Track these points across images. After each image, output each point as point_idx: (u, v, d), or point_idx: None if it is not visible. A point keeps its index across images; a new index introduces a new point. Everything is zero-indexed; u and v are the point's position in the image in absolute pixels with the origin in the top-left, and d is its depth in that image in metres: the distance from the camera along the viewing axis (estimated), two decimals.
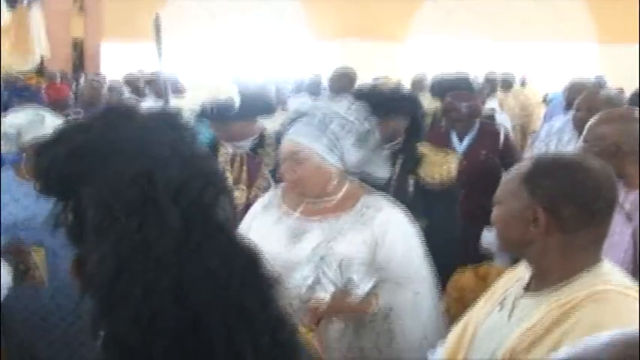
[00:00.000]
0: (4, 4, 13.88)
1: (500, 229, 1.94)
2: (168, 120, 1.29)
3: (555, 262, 1.85)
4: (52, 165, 1.21)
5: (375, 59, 15.51)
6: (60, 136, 1.25)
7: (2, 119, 3.88)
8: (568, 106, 6.80)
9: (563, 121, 6.09)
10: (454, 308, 3.15)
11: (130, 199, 1.15)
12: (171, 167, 1.18)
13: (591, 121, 3.09)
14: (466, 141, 5.25)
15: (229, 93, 3.64)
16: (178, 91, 9.70)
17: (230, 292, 1.16)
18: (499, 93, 10.33)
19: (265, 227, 2.93)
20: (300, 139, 2.81)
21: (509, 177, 1.94)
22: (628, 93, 8.89)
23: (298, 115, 2.86)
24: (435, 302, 2.98)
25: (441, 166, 3.98)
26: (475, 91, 6.40)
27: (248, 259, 1.21)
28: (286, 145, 2.86)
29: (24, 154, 3.83)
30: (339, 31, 16.58)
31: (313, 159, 2.80)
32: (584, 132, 3.09)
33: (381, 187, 3.84)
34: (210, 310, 1.14)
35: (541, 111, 11.31)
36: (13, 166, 3.97)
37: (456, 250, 3.90)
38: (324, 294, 2.73)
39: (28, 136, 3.73)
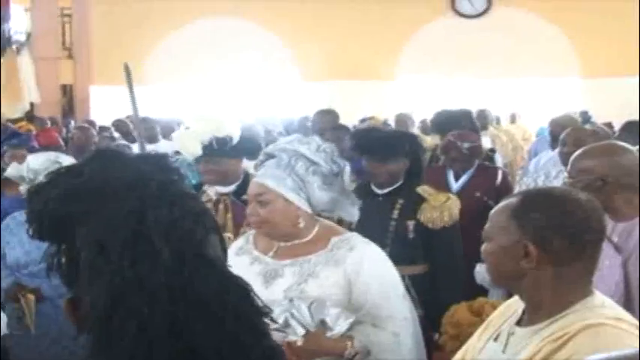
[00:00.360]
0: None
1: (492, 264, 1.97)
2: (157, 162, 1.31)
3: (547, 296, 1.87)
4: (45, 208, 1.23)
5: (363, 99, 15.63)
6: (52, 180, 1.27)
7: (24, 164, 4.04)
8: (553, 141, 6.89)
9: (549, 156, 6.17)
10: (450, 345, 3.17)
11: (122, 237, 1.17)
12: (161, 206, 1.20)
13: (574, 156, 3.09)
14: (461, 180, 5.20)
15: (232, 128, 3.68)
16: (168, 134, 9.79)
17: (225, 326, 1.18)
18: (491, 129, 10.35)
19: (238, 272, 2.87)
20: (266, 181, 2.80)
21: (498, 212, 1.96)
22: (616, 125, 9.00)
23: (267, 157, 2.85)
24: (416, 343, 2.91)
25: (442, 211, 3.95)
26: (477, 129, 6.38)
27: (240, 293, 1.23)
28: (252, 186, 2.87)
29: None
30: (326, 72, 16.71)
31: (278, 201, 2.78)
32: (568, 167, 3.11)
33: (379, 231, 3.81)
34: (206, 343, 1.16)
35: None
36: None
37: (461, 293, 3.84)
38: (294, 337, 2.66)
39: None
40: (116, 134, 10.29)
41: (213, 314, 1.17)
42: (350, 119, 12.96)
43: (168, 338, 1.14)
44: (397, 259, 3.36)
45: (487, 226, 1.99)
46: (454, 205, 3.98)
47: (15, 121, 11.73)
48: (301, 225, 2.80)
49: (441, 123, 6.46)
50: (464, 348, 2.20)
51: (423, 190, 4.04)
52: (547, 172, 4.75)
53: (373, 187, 4.10)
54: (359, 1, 16.48)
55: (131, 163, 1.28)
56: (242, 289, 1.24)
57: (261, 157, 2.89)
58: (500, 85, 17.60)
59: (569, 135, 4.41)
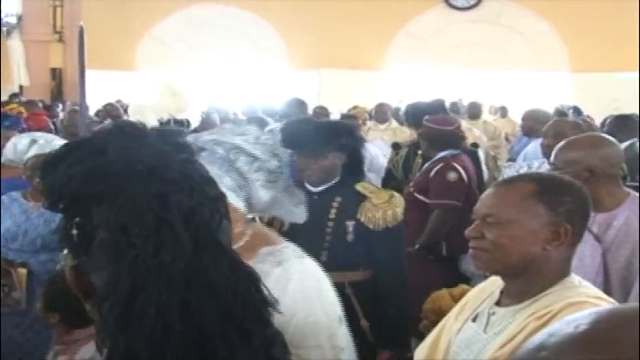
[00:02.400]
0: None
1: (511, 250, 1.93)
2: (175, 142, 1.34)
3: (541, 277, 1.93)
4: (68, 184, 1.24)
5: (352, 88, 15.68)
6: (73, 155, 1.27)
7: (9, 146, 4.11)
8: (526, 134, 7.02)
9: (528, 148, 6.25)
10: (431, 331, 3.23)
11: (146, 223, 1.20)
12: (182, 192, 1.23)
13: (559, 147, 3.15)
14: (419, 171, 5.32)
15: (192, 114, 3.46)
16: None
17: (233, 312, 1.23)
18: (463, 122, 10.33)
19: None
20: None
21: (510, 197, 1.95)
22: (597, 120, 9.09)
23: (197, 151, 2.27)
24: None
25: (385, 210, 3.57)
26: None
27: (249, 282, 1.28)
28: None
29: (28, 177, 4.01)
30: (316, 61, 16.74)
31: None
32: (552, 158, 3.17)
33: (315, 233, 3.40)
34: (213, 328, 1.20)
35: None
36: (22, 192, 4.16)
37: (407, 298, 3.61)
38: None
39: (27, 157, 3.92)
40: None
41: (224, 301, 1.22)
42: (338, 109, 13.03)
43: (180, 322, 1.18)
44: (336, 264, 3.24)
45: (493, 212, 1.96)
46: (398, 204, 3.61)
47: (4, 103, 11.74)
48: (237, 229, 2.27)
49: (414, 115, 6.33)
50: (436, 331, 2.23)
51: (363, 187, 3.66)
52: (530, 163, 4.80)
53: (307, 185, 3.64)
54: None
55: (151, 143, 1.30)
56: (251, 277, 1.29)
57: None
58: (489, 77, 17.68)
59: (550, 127, 4.45)
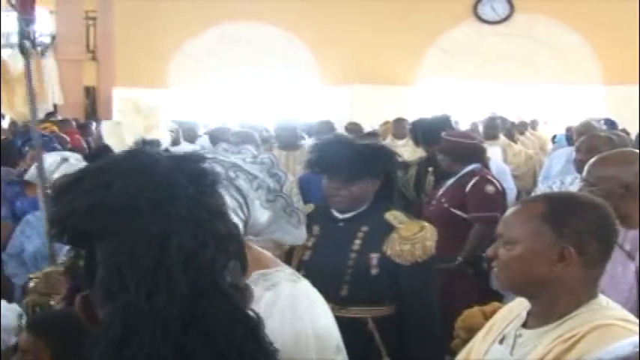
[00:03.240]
0: (17, 52, 14.12)
1: (517, 270, 1.94)
2: (191, 171, 1.26)
3: (564, 298, 1.91)
4: (69, 218, 1.21)
5: (384, 104, 15.66)
6: (79, 187, 1.24)
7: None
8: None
9: (563, 162, 6.18)
10: (462, 349, 3.20)
11: (142, 266, 1.16)
12: (186, 230, 1.18)
13: (592, 163, 3.12)
14: (442, 188, 5.23)
15: (162, 132, 3.23)
16: (190, 138, 9.86)
17: None
18: (502, 139, 9.92)
19: None
20: None
21: (521, 216, 1.96)
22: (633, 134, 8.98)
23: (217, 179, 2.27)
24: None
25: (413, 243, 3.28)
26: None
27: (248, 329, 1.23)
28: None
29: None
30: (347, 76, 16.76)
31: None
32: (585, 173, 3.14)
33: (336, 264, 3.21)
34: None
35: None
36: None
37: (435, 338, 3.35)
38: None
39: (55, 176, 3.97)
40: None
41: (219, 348, 1.18)
42: (370, 124, 13.02)
43: None
44: (358, 299, 3.17)
45: (506, 230, 1.98)
46: (430, 237, 3.31)
47: (39, 122, 11.87)
48: None
49: (423, 132, 6.28)
50: (464, 352, 2.23)
51: (393, 216, 3.35)
52: (562, 179, 4.75)
53: (333, 211, 3.40)
54: (381, 7, 16.50)
55: (163, 175, 1.23)
56: (250, 325, 1.24)
57: None
58: (521, 91, 17.58)
59: (583, 142, 4.42)
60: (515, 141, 9.56)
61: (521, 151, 9.06)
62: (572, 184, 4.40)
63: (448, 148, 5.22)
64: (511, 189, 7.24)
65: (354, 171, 3.27)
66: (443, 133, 5.33)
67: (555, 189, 4.59)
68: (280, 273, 2.19)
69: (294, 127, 7.40)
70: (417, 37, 16.85)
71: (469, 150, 5.16)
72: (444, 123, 6.24)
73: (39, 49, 15.14)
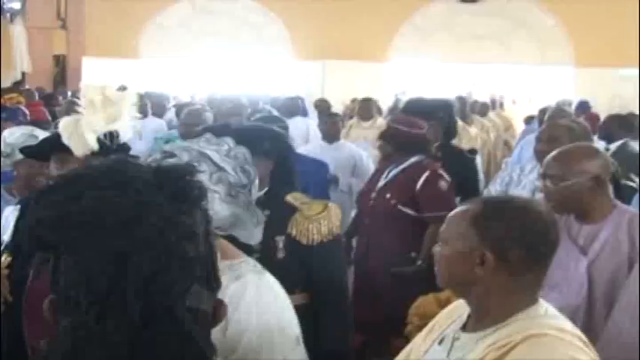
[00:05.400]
0: None
1: (444, 268, 1.99)
2: (172, 188, 1.20)
3: (495, 304, 1.90)
4: (36, 228, 1.17)
5: (356, 80, 15.63)
6: (50, 196, 1.19)
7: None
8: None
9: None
10: (415, 335, 3.19)
11: (96, 287, 1.13)
12: (149, 252, 1.14)
13: (555, 156, 3.08)
14: (384, 178, 4.74)
15: (125, 124, 3.04)
16: (159, 109, 9.78)
17: None
18: (476, 117, 9.86)
19: None
20: None
21: (457, 217, 1.98)
22: (602, 116, 8.97)
23: (164, 157, 2.27)
24: None
25: (318, 221, 3.18)
26: (449, 119, 5.74)
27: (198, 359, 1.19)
28: None
29: (15, 172, 3.96)
30: (319, 51, 16.69)
31: None
32: (547, 168, 3.07)
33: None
34: None
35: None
36: (5, 187, 4.12)
37: (347, 325, 3.28)
38: None
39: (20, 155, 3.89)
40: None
41: None
42: (342, 100, 13.00)
43: None
44: None
45: (443, 229, 2.01)
46: (334, 215, 3.21)
47: (5, 91, 11.70)
48: None
49: (413, 111, 5.62)
50: (408, 347, 2.24)
51: (295, 197, 3.26)
52: (523, 166, 4.73)
53: None
54: None
55: (138, 192, 1.18)
56: (201, 356, 1.20)
57: (157, 155, 2.31)
58: (494, 70, 17.62)
59: (543, 132, 4.34)
60: (469, 123, 9.28)
61: (477, 136, 8.90)
62: (532, 172, 4.39)
63: (391, 135, 4.79)
64: None
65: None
66: (388, 118, 5.02)
67: (515, 177, 4.58)
68: (245, 264, 2.21)
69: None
70: (392, 14, 16.79)
71: (413, 140, 4.72)
72: (441, 106, 5.74)
73: (8, 15, 14.94)
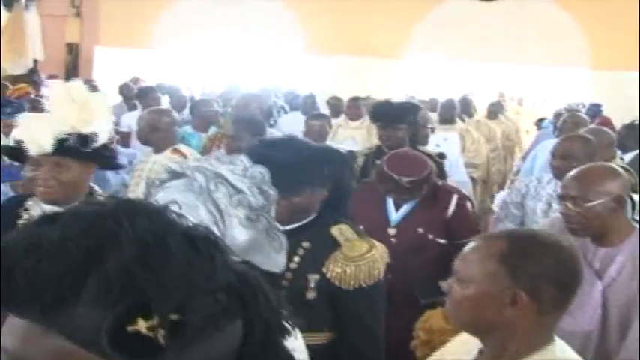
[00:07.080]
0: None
1: (467, 310, 1.87)
2: (140, 229, 1.06)
3: (515, 344, 1.83)
4: (5, 252, 1.09)
5: (368, 76, 15.51)
6: (30, 224, 1.11)
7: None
8: (558, 131, 6.50)
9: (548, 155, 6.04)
10: (421, 350, 3.13)
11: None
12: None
13: (576, 176, 3.00)
14: (403, 210, 4.18)
15: (102, 125, 2.85)
16: (173, 99, 9.71)
17: None
18: (460, 124, 8.73)
19: None
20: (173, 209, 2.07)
21: (479, 254, 1.88)
22: (619, 121, 8.80)
23: (172, 177, 2.09)
24: None
25: (358, 265, 2.81)
26: (417, 123, 5.53)
27: None
28: None
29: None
30: (333, 46, 16.58)
31: None
32: (568, 189, 2.98)
33: (268, 284, 2.81)
34: None
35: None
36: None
37: None
38: None
39: None
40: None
41: None
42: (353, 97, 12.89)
43: None
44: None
45: (462, 267, 1.89)
46: (379, 257, 2.85)
47: (16, 79, 11.67)
48: None
49: (382, 115, 5.40)
50: None
51: (340, 231, 2.87)
52: (540, 177, 4.65)
53: None
54: None
55: (116, 222, 1.04)
56: None
57: (163, 175, 2.11)
58: (507, 70, 17.52)
59: (558, 147, 4.23)
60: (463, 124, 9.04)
61: (480, 139, 8.59)
62: (550, 183, 4.32)
63: (392, 189, 4.11)
64: (465, 182, 6.90)
65: (294, 180, 2.74)
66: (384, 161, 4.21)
67: (531, 188, 4.50)
68: None
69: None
70: (407, 11, 16.66)
71: (418, 183, 4.06)
72: (408, 110, 5.52)
73: (22, 2, 14.90)
